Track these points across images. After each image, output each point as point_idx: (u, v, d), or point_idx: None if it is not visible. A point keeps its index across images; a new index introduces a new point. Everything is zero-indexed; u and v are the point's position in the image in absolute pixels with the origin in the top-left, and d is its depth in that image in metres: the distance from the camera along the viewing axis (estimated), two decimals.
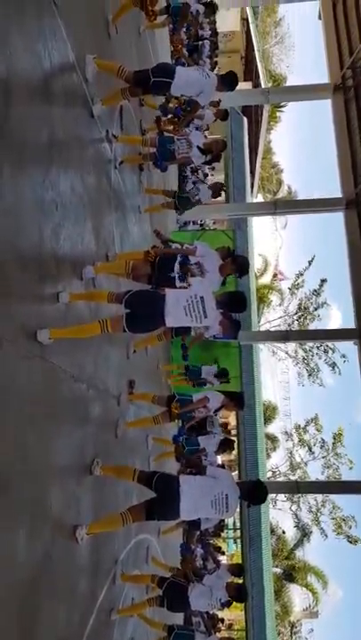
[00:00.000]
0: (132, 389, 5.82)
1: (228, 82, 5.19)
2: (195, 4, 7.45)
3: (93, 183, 4.54)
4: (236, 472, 16.91)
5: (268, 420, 28.18)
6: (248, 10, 22.65)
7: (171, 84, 4.86)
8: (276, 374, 29.87)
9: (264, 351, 26.49)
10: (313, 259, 26.44)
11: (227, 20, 23.26)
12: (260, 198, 27.87)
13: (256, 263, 26.72)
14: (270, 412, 29.39)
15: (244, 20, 24.70)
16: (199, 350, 10.20)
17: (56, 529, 3.17)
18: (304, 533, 25.99)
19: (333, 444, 26.32)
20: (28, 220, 2.94)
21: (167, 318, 3.61)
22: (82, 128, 4.26)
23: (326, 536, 25.25)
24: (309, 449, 27.35)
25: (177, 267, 4.34)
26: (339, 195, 14.32)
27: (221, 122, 10.25)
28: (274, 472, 27.60)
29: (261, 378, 18.11)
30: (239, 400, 6.45)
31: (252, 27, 23.26)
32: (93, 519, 3.82)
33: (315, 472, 26.94)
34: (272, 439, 29.61)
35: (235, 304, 4.34)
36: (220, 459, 15.79)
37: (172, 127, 6.94)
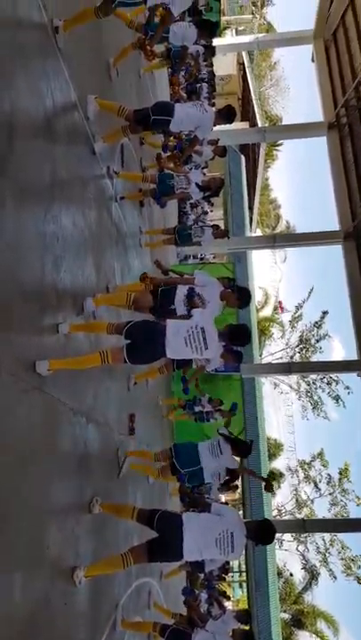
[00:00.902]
0: (133, 423, 5.72)
1: (225, 115, 5.35)
2: (193, 45, 7.70)
3: (95, 218, 4.58)
4: (241, 511, 16.50)
5: (272, 456, 27.72)
6: (244, 54, 23.49)
7: (170, 121, 5.02)
8: (279, 408, 29.57)
9: (266, 385, 26.32)
10: (312, 290, 26.69)
11: (224, 64, 24.09)
12: (258, 233, 28.24)
13: (257, 296, 26.88)
14: (275, 448, 28.93)
15: (241, 65, 25.58)
16: (200, 384, 10.08)
17: (54, 571, 3.05)
18: (312, 575, 25.14)
19: (340, 479, 25.77)
20: (30, 252, 2.95)
21: (167, 349, 3.56)
22: (83, 164, 4.34)
23: (335, 578, 24.40)
24: (315, 485, 26.78)
25: (184, 299, 4.33)
26: (337, 228, 14.49)
27: (220, 159, 10.47)
28: (280, 510, 26.94)
29: (265, 412, 17.87)
30: (245, 450, 5.85)
31: (248, 70, 24.06)
32: (92, 561, 3.67)
33: (321, 510, 26.33)
34: (277, 475, 29.05)
35: (238, 337, 4.28)
36: (223, 497, 15.43)
37: (172, 164, 7.08)
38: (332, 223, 14.92)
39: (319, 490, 26.47)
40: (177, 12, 4.13)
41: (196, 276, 4.82)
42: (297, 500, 27.21)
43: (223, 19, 21.42)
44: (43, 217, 3.19)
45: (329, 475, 26.32)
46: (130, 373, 5.95)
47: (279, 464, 29.46)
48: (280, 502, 27.83)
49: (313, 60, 16.14)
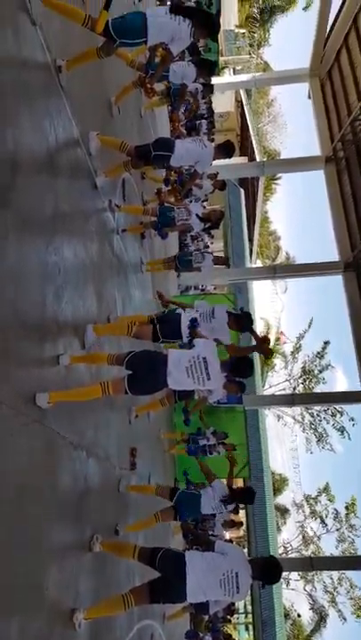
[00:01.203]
0: (134, 458, 5.61)
1: (224, 150, 5.50)
2: (193, 83, 7.93)
3: (96, 249, 4.61)
4: (246, 549, 16.07)
5: (277, 490, 27.19)
6: (242, 92, 24.16)
7: (170, 156, 5.14)
8: (283, 441, 29.16)
9: (270, 417, 26.04)
10: (311, 321, 26.81)
11: (222, 102, 24.75)
12: (259, 264, 28.46)
13: (258, 327, 26.86)
14: (279, 483, 28.40)
15: (239, 102, 26.27)
16: (198, 415, 9.96)
17: (53, 613, 2.93)
18: (321, 617, 24.29)
19: (347, 515, 25.21)
20: (31, 283, 2.95)
21: (169, 379, 3.51)
22: (85, 198, 4.40)
23: (345, 619, 23.58)
24: (322, 521, 26.17)
25: (186, 330, 4.30)
26: (336, 258, 14.59)
27: (220, 192, 10.64)
28: (286, 548, 26.25)
29: (269, 445, 17.59)
30: (249, 496, 5.62)
31: (246, 108, 24.71)
32: (93, 602, 3.54)
33: (329, 546, 25.68)
34: (282, 511, 28.44)
35: (240, 368, 4.24)
36: (228, 535, 15.04)
37: (173, 198, 7.19)
38: (332, 253, 15.06)
39: (326, 526, 25.88)
40: (176, 52, 4.25)
41: (196, 305, 4.84)
42: (303, 537, 26.57)
43: (221, 59, 22.10)
44: (45, 249, 3.20)
45: (335, 510, 25.82)
46: (131, 405, 5.88)
47: (284, 499, 28.88)
48: (286, 539, 27.19)
49: (309, 97, 16.58)
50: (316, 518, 26.68)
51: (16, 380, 2.68)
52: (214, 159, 5.61)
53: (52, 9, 3.30)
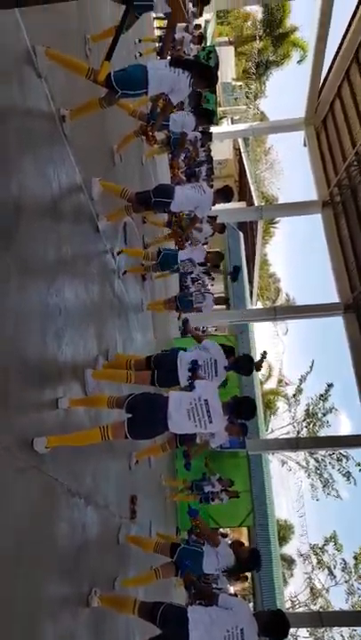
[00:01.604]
0: (134, 506, 5.44)
1: (224, 195, 5.65)
2: (192, 132, 8.19)
3: (97, 291, 4.63)
4: (252, 603, 15.39)
5: (282, 539, 26.31)
6: (240, 140, 24.95)
7: (170, 203, 5.27)
8: (288, 488, 28.45)
9: (274, 462, 25.50)
10: (313, 364, 26.65)
11: (221, 150, 25.53)
12: (259, 306, 28.58)
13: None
14: (285, 531, 27.52)
15: (237, 150, 27.08)
16: (204, 462, 9.76)
17: None
18: None
19: (356, 565, 24.27)
20: (32, 324, 2.93)
21: (169, 423, 3.42)
22: (87, 241, 4.45)
23: None
24: (330, 572, 25.16)
25: (184, 374, 4.25)
26: (336, 299, 14.66)
27: (220, 235, 10.80)
28: (293, 602, 25.14)
29: (273, 492, 17.12)
30: (255, 563, 5.15)
31: (243, 155, 25.46)
32: None
33: (338, 600, 24.60)
34: (288, 562, 27.44)
35: (243, 410, 4.13)
36: (232, 588, 14.41)
37: (174, 241, 7.31)
38: (332, 295, 15.13)
39: (334, 577, 24.85)
40: (175, 102, 4.40)
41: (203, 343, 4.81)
42: (311, 590, 25.47)
43: (220, 109, 22.93)
44: (46, 290, 3.21)
45: (344, 560, 24.87)
46: (131, 451, 5.75)
47: (290, 549, 27.92)
48: (293, 592, 26.06)
49: (305, 145, 17.10)
50: (323, 569, 25.69)
51: (13, 423, 2.62)
52: (214, 204, 5.75)
53: (57, 62, 3.44)
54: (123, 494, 5.15)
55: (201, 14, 11.04)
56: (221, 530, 12.38)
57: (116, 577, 4.44)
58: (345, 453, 23.89)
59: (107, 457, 4.52)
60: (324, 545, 26.10)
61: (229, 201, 5.97)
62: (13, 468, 2.54)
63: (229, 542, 5.44)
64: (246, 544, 15.48)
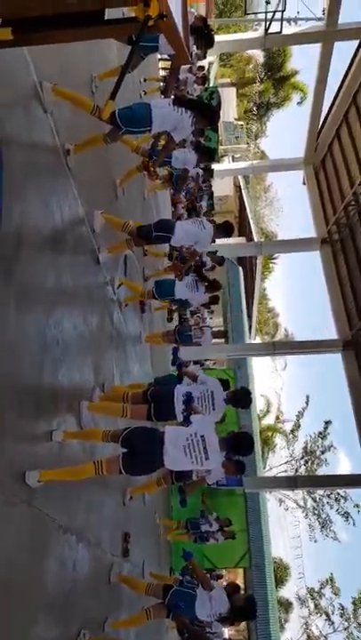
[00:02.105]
0: (127, 544, 5.29)
1: (224, 230, 5.73)
2: (194, 169, 8.37)
3: (96, 322, 4.63)
4: None
5: (279, 581, 25.52)
6: (240, 178, 25.45)
7: (171, 237, 5.34)
8: (285, 528, 27.76)
9: (271, 501, 24.98)
10: (308, 399, 26.56)
11: (222, 186, 25.99)
12: (258, 340, 28.58)
13: (258, 404, 26.49)
14: (281, 573, 26.73)
15: (237, 186, 27.59)
16: (201, 498, 9.55)
17: None
18: None
19: (354, 610, 23.48)
20: (29, 354, 2.91)
21: (165, 459, 3.36)
22: (87, 273, 4.47)
23: None
24: (328, 617, 24.31)
25: (180, 407, 4.20)
26: (335, 336, 14.65)
27: (219, 269, 10.89)
28: None
29: (270, 532, 16.68)
30: (250, 612, 4.90)
31: (244, 192, 25.94)
32: None
33: None
34: (285, 605, 26.57)
35: (241, 446, 4.04)
36: (226, 632, 13.88)
37: (174, 274, 7.35)
38: (331, 331, 15.14)
39: (333, 623, 24.00)
40: (178, 140, 4.51)
41: (200, 375, 4.78)
42: (308, 637, 24.56)
43: (221, 147, 23.47)
44: (45, 320, 3.20)
45: (342, 605, 24.06)
46: (125, 486, 5.63)
47: (287, 592, 27.08)
48: (290, 638, 25.13)
49: (304, 183, 17.42)
50: (321, 614, 24.83)
51: (5, 455, 2.57)
52: (214, 239, 5.81)
53: (63, 98, 3.53)
54: (115, 531, 5.01)
55: (205, 57, 11.44)
56: (216, 571, 12.00)
57: (106, 618, 4.28)
58: (343, 493, 23.47)
59: (100, 492, 4.42)
60: (321, 588, 25.34)
61: (230, 236, 6.04)
62: (3, 502, 2.48)
63: (225, 584, 5.26)
64: (242, 586, 15.06)
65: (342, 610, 23.83)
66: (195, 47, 6.94)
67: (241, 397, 4.80)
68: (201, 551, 10.74)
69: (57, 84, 3.38)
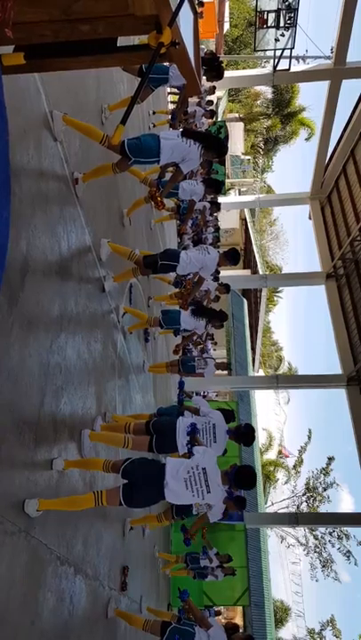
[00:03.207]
0: (126, 577, 5.13)
1: (231, 256, 5.79)
2: (200, 201, 8.47)
3: (99, 351, 4.60)
4: None
5: (279, 622, 24.69)
6: (246, 211, 25.79)
7: (176, 266, 5.39)
8: (286, 566, 26.99)
9: (272, 537, 24.38)
10: (311, 433, 26.20)
11: (228, 219, 26.32)
12: (261, 373, 28.39)
13: (260, 438, 26.12)
14: (281, 612, 25.90)
15: (243, 220, 27.93)
16: (201, 533, 9.29)
17: None
18: None
19: None
20: (31, 381, 2.88)
21: (166, 491, 3.27)
22: (92, 301, 4.47)
23: None
24: None
25: (183, 441, 4.12)
26: (339, 371, 14.54)
27: (223, 298, 10.90)
28: None
29: (271, 569, 16.22)
30: None
31: (250, 225, 26.23)
32: None
33: None
34: None
35: (243, 480, 3.96)
36: None
37: (178, 301, 7.36)
38: (335, 366, 15.04)
39: None
40: (186, 171, 4.56)
41: (199, 404, 4.72)
42: None
43: (228, 181, 23.85)
44: (48, 347, 3.18)
45: None
46: (126, 517, 5.50)
47: (287, 633, 26.16)
48: None
49: (310, 218, 17.62)
50: None
51: (4, 483, 2.51)
52: (221, 265, 5.86)
53: (73, 127, 3.59)
54: (114, 564, 4.87)
55: (214, 91, 11.75)
56: (215, 608, 11.62)
57: None
58: (345, 532, 22.93)
59: (99, 523, 4.31)
60: (322, 630, 24.50)
61: (236, 263, 6.10)
62: (1, 530, 2.41)
63: (223, 622, 5.07)
64: (241, 624, 14.52)
65: None
66: (204, 78, 7.11)
67: (244, 434, 4.73)
68: (200, 587, 10.42)
69: (67, 114, 3.45)
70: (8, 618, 2.45)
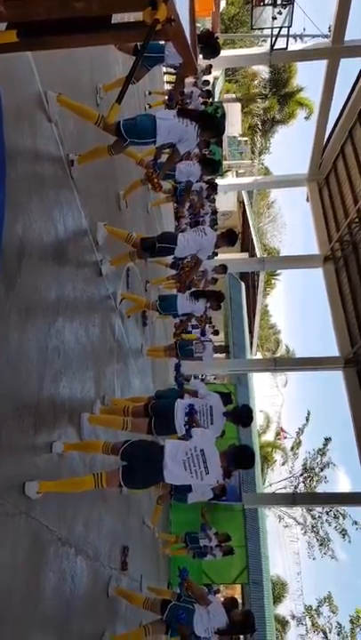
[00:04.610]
0: (126, 557, 5.21)
1: (228, 238, 5.77)
2: (197, 183, 8.39)
3: (97, 335, 4.60)
4: None
5: (277, 598, 25.16)
6: (244, 193, 25.59)
7: (174, 249, 5.37)
8: (284, 545, 27.41)
9: (271, 517, 24.71)
10: (309, 415, 26.42)
11: (225, 202, 26.12)
12: (259, 356, 28.48)
13: (258, 420, 26.32)
14: (280, 589, 26.37)
15: (241, 202, 27.73)
16: (200, 512, 9.41)
17: None
18: None
19: (352, 630, 23.13)
20: (30, 366, 2.89)
21: (165, 472, 3.32)
22: (90, 285, 4.45)
23: None
24: (325, 636, 23.95)
25: (181, 423, 4.15)
26: (336, 353, 14.59)
27: (221, 287, 10.88)
28: None
29: (269, 548, 16.47)
30: (249, 627, 4.71)
31: (247, 208, 26.04)
32: None
33: None
34: (282, 623, 26.17)
35: (242, 459, 3.99)
36: None
37: (176, 285, 7.36)
38: (332, 348, 15.10)
39: None
40: (183, 152, 4.51)
41: (197, 387, 4.75)
42: None
43: (225, 162, 23.62)
44: (46, 332, 3.18)
45: (339, 624, 23.71)
46: (126, 500, 5.56)
47: (284, 609, 26.68)
48: None
49: (308, 200, 17.51)
50: (318, 632, 24.47)
51: (4, 466, 2.53)
52: (218, 247, 5.84)
53: (67, 108, 3.54)
54: (114, 545, 4.94)
55: (210, 71, 11.56)
56: (214, 587, 11.83)
57: (103, 632, 4.21)
58: (342, 511, 23.28)
59: (99, 505, 4.36)
60: (319, 606, 25.00)
61: (233, 244, 6.08)
62: (2, 512, 2.44)
63: (222, 599, 5.17)
64: (240, 602, 14.79)
65: (340, 628, 23.53)
66: (201, 57, 6.99)
67: (242, 415, 4.75)
68: (199, 566, 10.58)
69: (62, 94, 3.39)
70: (10, 598, 2.49)
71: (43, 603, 2.93)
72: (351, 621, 23.27)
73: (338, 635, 23.60)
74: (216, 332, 10.58)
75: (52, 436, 3.20)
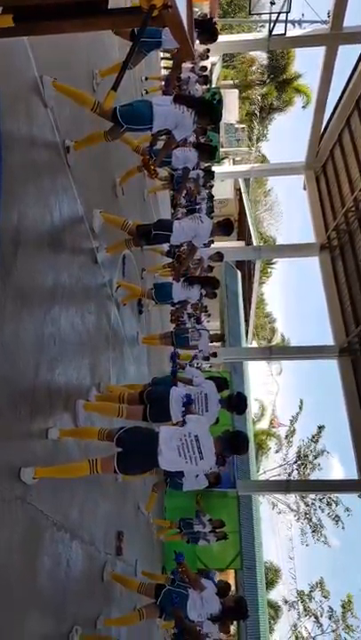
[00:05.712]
0: (121, 542, 5.27)
1: (224, 227, 5.74)
2: (194, 170, 8.35)
3: (93, 322, 4.61)
4: None
5: (270, 584, 25.50)
6: (240, 181, 25.46)
7: (170, 235, 5.35)
8: (277, 531, 27.73)
9: (264, 504, 24.97)
10: (302, 403, 26.60)
11: (222, 189, 25.96)
12: (254, 344, 28.55)
13: (253, 408, 26.46)
14: (273, 575, 26.72)
15: (237, 190, 27.60)
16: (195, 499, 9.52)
17: None
18: None
19: (343, 614, 23.51)
20: (26, 353, 2.90)
21: (159, 458, 3.35)
22: (86, 272, 4.45)
23: None
24: (317, 620, 24.36)
25: (180, 409, 4.18)
26: (331, 342, 14.67)
27: (217, 268, 10.87)
28: None
29: (262, 534, 16.66)
30: (241, 612, 4.90)
31: (244, 196, 25.91)
32: None
33: None
34: (275, 608, 26.55)
35: (236, 444, 4.03)
36: (218, 632, 13.81)
37: (171, 273, 7.34)
38: (327, 337, 15.16)
39: (321, 626, 24.05)
40: (180, 138, 4.48)
41: (192, 374, 4.77)
42: (297, 638, 24.60)
43: (222, 149, 23.47)
44: (42, 319, 3.18)
45: (331, 608, 24.10)
46: (121, 486, 5.61)
47: (277, 594, 27.07)
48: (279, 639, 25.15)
49: (304, 189, 17.46)
50: (310, 617, 24.88)
51: (1, 452, 2.55)
52: (214, 235, 5.82)
53: (63, 93, 3.51)
54: (109, 530, 5.00)
55: (207, 56, 11.44)
56: (210, 573, 11.99)
57: (98, 615, 4.27)
58: (335, 498, 23.57)
59: (94, 490, 4.40)
60: (311, 591, 25.38)
61: (230, 234, 6.05)
62: None
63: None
64: (233, 587, 15.00)
65: (331, 612, 23.93)
66: (198, 41, 6.89)
67: (237, 403, 4.78)
68: (193, 552, 10.70)
69: (57, 79, 3.36)
70: (5, 581, 2.52)
71: (38, 586, 2.97)
72: (343, 606, 23.67)
73: (329, 619, 24.03)
74: (209, 315, 10.53)
75: (47, 423, 3.22)
